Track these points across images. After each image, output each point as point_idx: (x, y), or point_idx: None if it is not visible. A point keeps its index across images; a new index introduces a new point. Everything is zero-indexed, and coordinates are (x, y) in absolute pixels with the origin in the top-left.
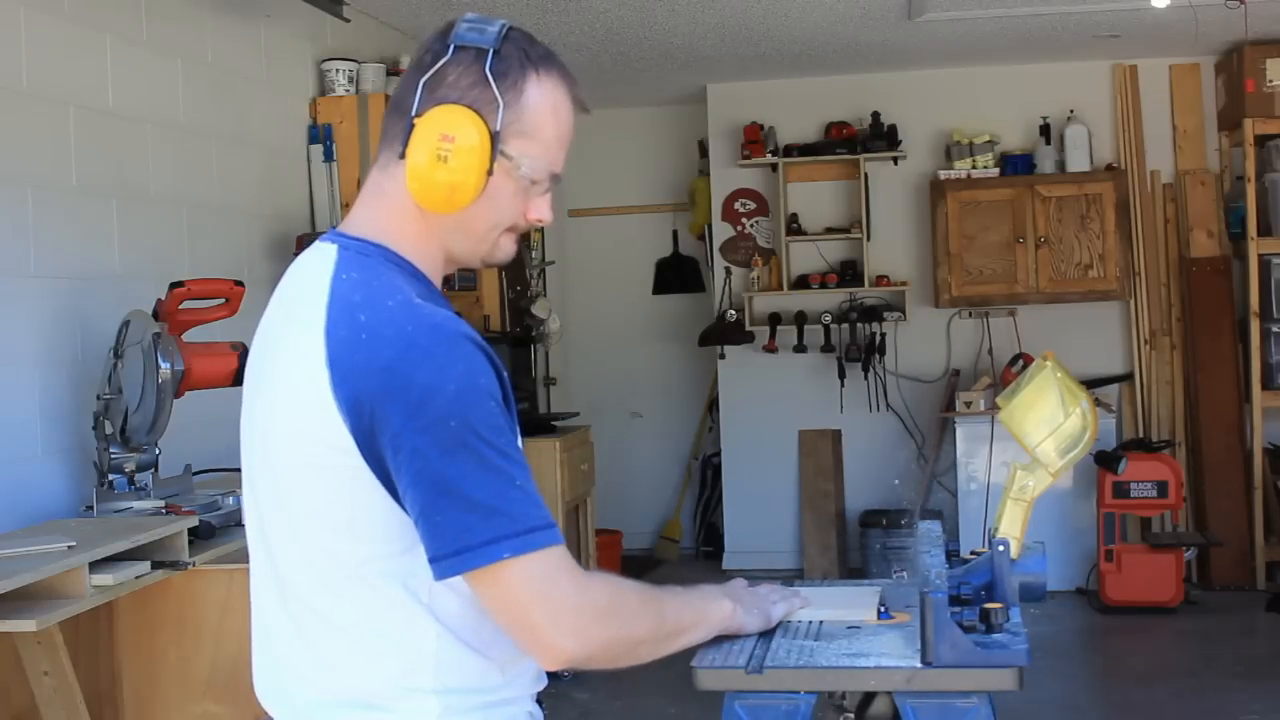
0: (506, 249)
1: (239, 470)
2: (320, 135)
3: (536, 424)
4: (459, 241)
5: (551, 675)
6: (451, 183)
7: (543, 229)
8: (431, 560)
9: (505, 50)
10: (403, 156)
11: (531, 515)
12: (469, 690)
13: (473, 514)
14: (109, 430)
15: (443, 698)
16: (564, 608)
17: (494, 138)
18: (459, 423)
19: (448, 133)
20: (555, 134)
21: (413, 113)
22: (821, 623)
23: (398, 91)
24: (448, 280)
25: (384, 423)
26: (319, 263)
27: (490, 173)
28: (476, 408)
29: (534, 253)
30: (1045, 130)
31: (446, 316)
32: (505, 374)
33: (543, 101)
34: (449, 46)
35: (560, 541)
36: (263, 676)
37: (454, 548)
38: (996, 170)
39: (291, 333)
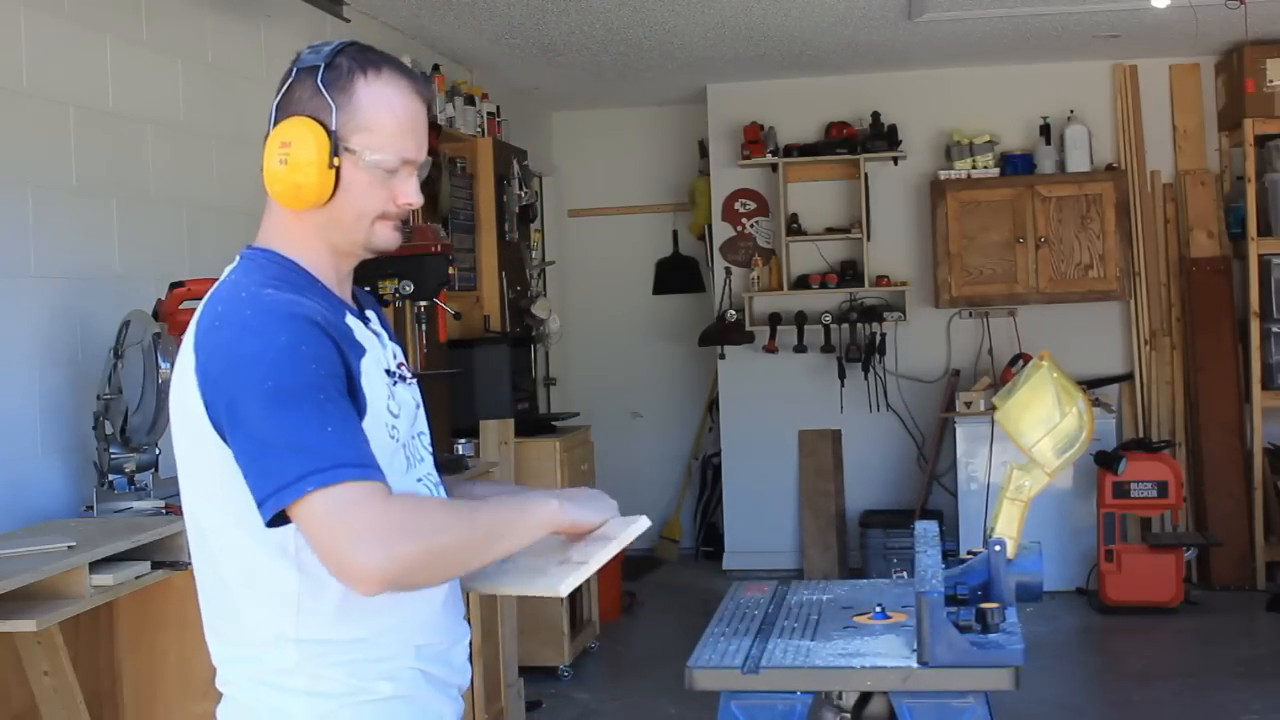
0: (384, 235)
1: None
2: None
3: (536, 424)
4: (334, 233)
5: (551, 675)
6: (295, 181)
7: (543, 229)
8: (259, 506)
9: (336, 62)
10: None
11: (340, 454)
12: (327, 641)
13: (287, 456)
14: (109, 430)
15: (300, 647)
16: (365, 528)
17: (332, 136)
18: (275, 382)
19: (286, 140)
20: (395, 124)
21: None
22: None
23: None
24: (448, 281)
25: (220, 393)
26: (226, 271)
27: (334, 167)
28: (296, 369)
29: (534, 253)
30: (1045, 130)
31: (290, 301)
32: (351, 356)
33: (374, 97)
34: (293, 71)
35: (373, 479)
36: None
37: (271, 489)
38: (996, 170)
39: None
